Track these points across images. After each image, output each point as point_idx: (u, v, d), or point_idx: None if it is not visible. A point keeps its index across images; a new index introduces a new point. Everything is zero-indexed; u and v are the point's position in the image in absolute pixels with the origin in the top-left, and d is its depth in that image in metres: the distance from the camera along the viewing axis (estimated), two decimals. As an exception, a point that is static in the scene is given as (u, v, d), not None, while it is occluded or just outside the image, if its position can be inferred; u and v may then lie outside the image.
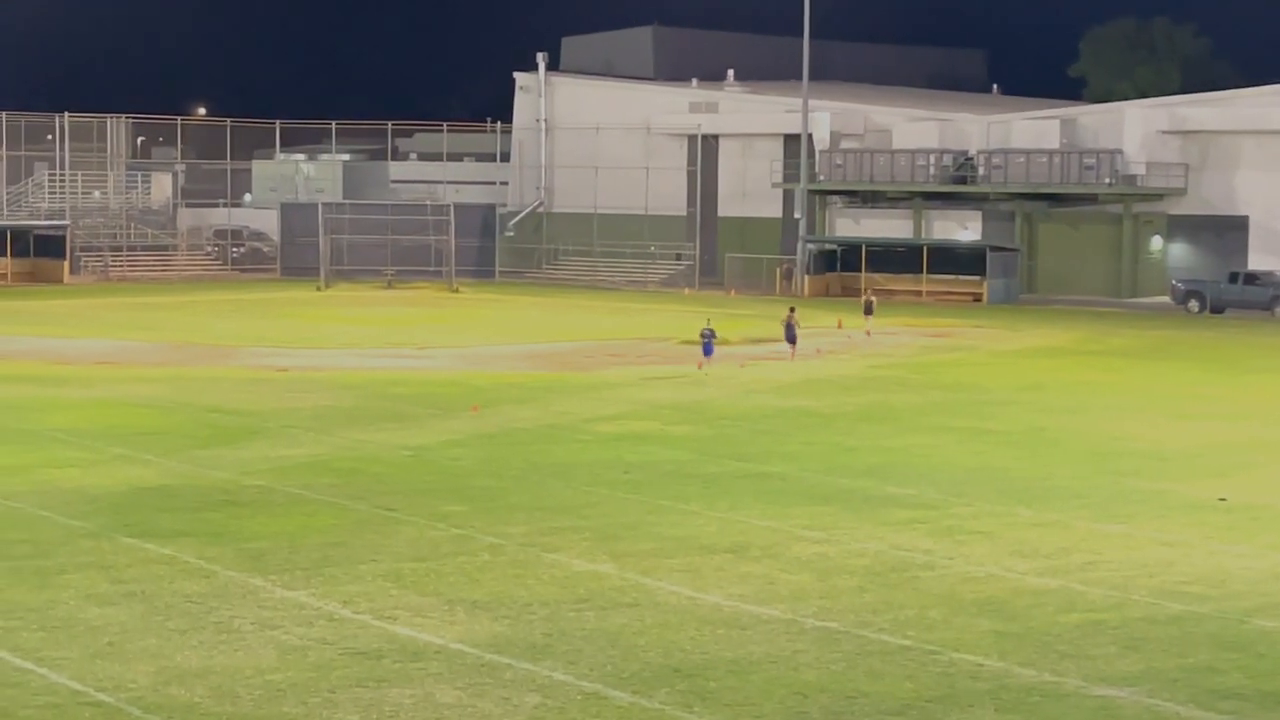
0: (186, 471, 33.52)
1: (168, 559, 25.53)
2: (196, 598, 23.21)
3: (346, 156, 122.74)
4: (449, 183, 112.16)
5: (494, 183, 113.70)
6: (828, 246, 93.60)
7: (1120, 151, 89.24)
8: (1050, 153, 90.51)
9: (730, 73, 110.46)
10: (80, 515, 28.81)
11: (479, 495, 31.38)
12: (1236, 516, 30.15)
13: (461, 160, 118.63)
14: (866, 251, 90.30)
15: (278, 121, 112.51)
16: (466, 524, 28.54)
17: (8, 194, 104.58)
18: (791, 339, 56.51)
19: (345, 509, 29.80)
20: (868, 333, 65.44)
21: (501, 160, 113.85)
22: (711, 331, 52.91)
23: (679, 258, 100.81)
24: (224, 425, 40.12)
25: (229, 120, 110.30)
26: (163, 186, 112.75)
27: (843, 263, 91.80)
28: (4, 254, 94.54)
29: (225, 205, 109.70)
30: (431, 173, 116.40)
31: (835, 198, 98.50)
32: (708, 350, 52.40)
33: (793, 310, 59.18)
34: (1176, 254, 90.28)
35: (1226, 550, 27.27)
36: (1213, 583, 24.90)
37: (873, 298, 69.39)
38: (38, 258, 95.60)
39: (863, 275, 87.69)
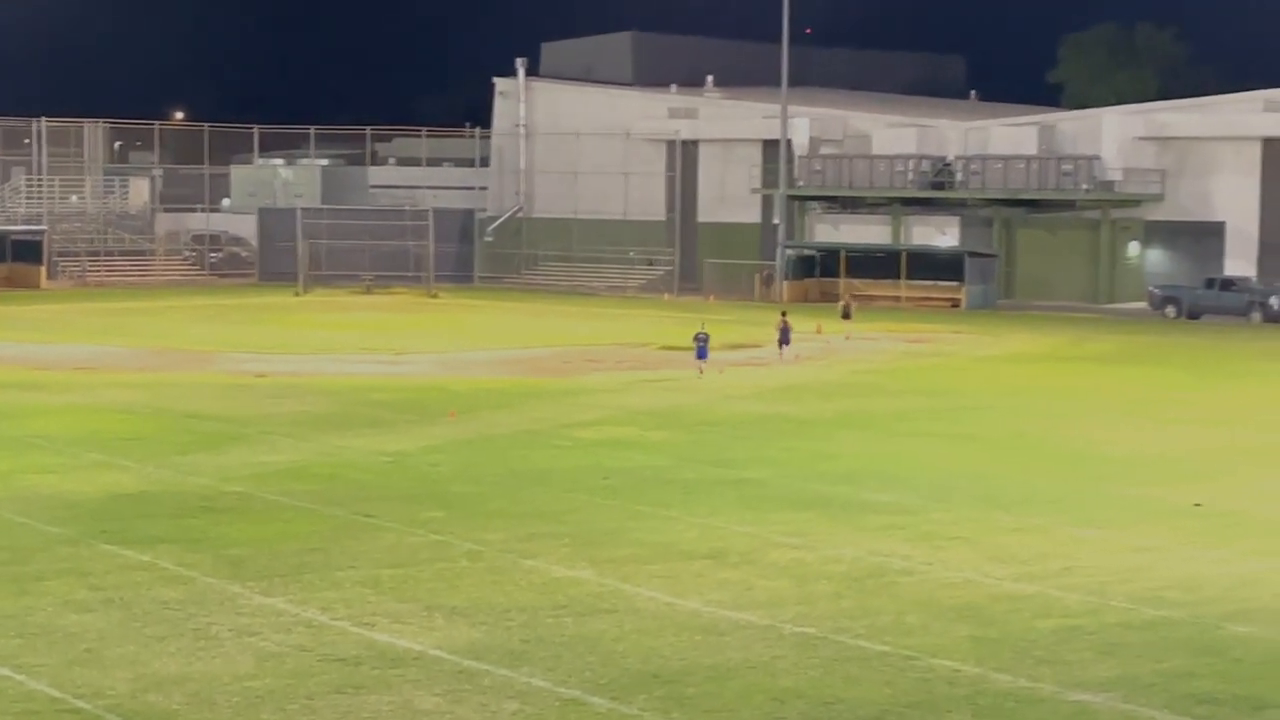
0: (165, 478, 33.49)
1: (146, 565, 25.52)
2: (175, 604, 23.21)
3: (325, 161, 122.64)
4: (428, 188, 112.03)
5: (473, 188, 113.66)
6: (806, 252, 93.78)
7: (1098, 157, 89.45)
8: (1028, 159, 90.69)
9: (709, 78, 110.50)
10: (58, 522, 28.78)
11: (457, 501, 31.39)
12: (1213, 522, 30.26)
13: (440, 165, 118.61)
14: (845, 257, 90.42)
15: (256, 126, 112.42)
16: (445, 530, 28.55)
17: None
18: (785, 341, 57.31)
19: (324, 515, 29.81)
20: (846, 336, 65.67)
21: (481, 165, 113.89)
22: (706, 335, 53.29)
23: (651, 263, 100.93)
24: (202, 431, 40.09)
25: (207, 125, 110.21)
26: (140, 191, 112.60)
27: (822, 268, 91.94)
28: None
29: (203, 210, 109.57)
30: (410, 178, 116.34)
31: (814, 203, 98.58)
32: (701, 354, 52.79)
33: (785, 314, 60.08)
34: (1153, 260, 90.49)
35: (1203, 555, 27.37)
36: (1189, 588, 25.01)
37: (850, 302, 69.56)
38: (15, 263, 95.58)
39: (842, 281, 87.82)
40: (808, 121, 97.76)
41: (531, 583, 24.77)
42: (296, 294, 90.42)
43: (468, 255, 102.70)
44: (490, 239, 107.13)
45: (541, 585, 24.62)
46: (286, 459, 36.00)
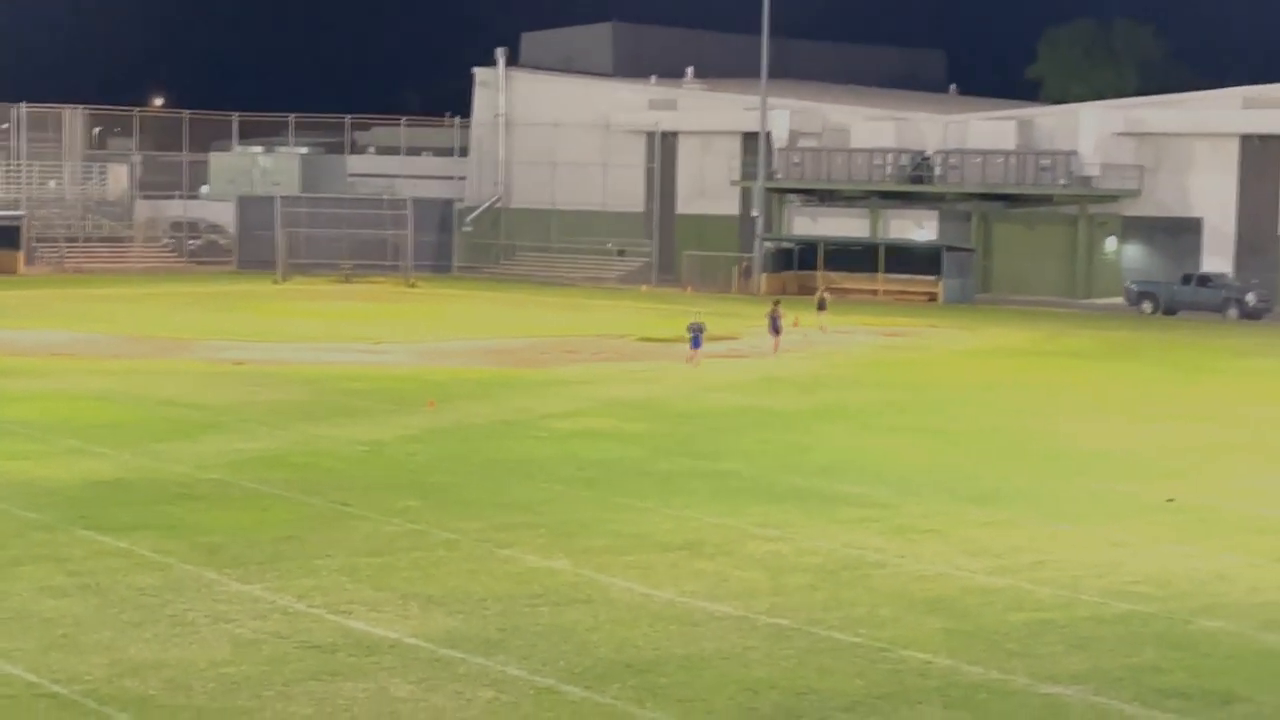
0: (142, 465, 33.51)
1: (123, 552, 25.56)
2: (151, 591, 23.26)
3: (304, 149, 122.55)
4: (407, 177, 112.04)
5: (452, 177, 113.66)
6: (785, 245, 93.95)
7: (1076, 153, 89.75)
8: (1007, 153, 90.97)
9: (689, 70, 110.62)
10: (34, 508, 28.79)
11: (434, 491, 31.47)
12: (1186, 517, 30.43)
13: (420, 155, 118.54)
14: (823, 250, 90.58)
15: (235, 114, 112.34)
16: (422, 519, 28.62)
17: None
18: (776, 330, 57.81)
19: (301, 503, 29.87)
20: (822, 329, 65.93)
21: (460, 155, 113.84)
22: (700, 325, 53.65)
23: (623, 253, 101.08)
24: (180, 419, 40.10)
25: (186, 112, 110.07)
26: (119, 178, 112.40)
27: (800, 261, 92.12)
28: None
29: (182, 197, 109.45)
30: (390, 166, 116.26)
31: (793, 196, 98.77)
32: (696, 343, 53.18)
33: (777, 303, 60.65)
34: (1130, 255, 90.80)
35: (1175, 551, 27.53)
36: (1160, 583, 25.16)
37: (826, 294, 69.85)
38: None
39: (819, 274, 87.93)
40: (787, 114, 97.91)
41: (507, 572, 24.87)
42: (275, 282, 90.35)
43: (446, 245, 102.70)
44: (469, 229, 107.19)
45: (517, 575, 24.72)
46: (264, 447, 36.04)
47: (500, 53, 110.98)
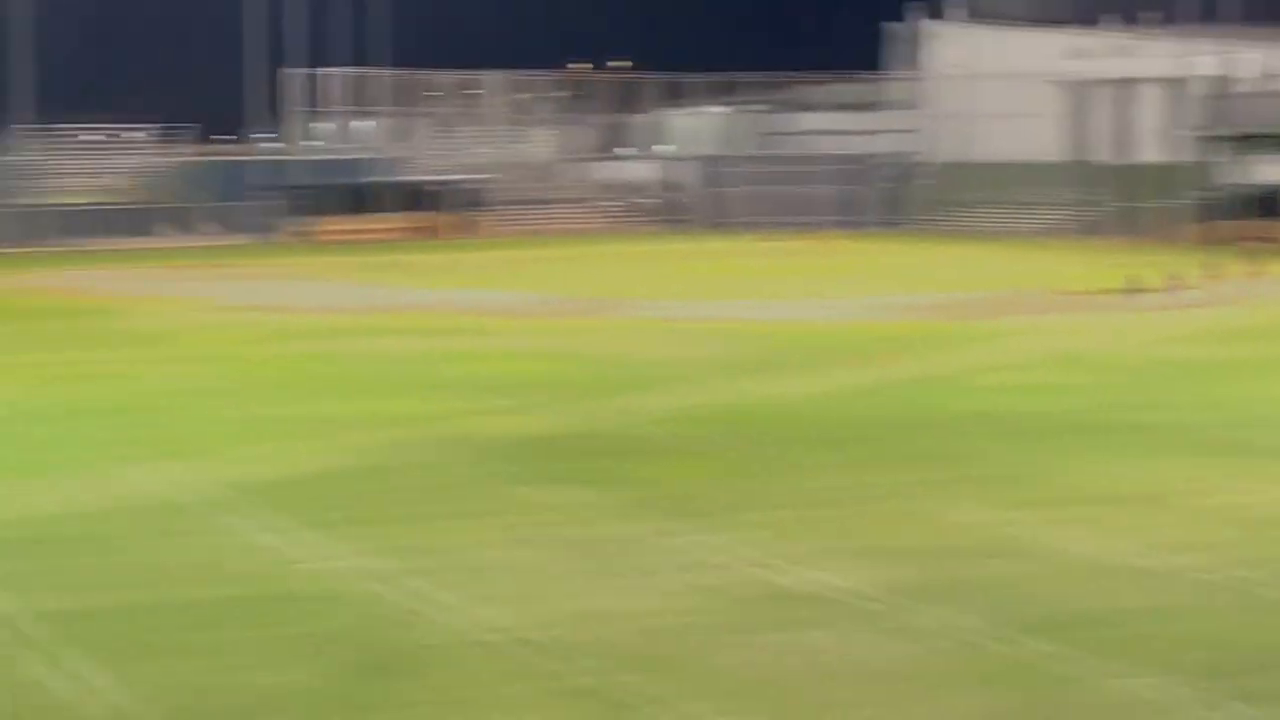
0: (572, 421, 34.37)
1: (560, 505, 26.34)
2: (590, 543, 23.84)
3: (747, 108, 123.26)
4: (850, 133, 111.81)
5: (895, 132, 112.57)
6: (1224, 193, 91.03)
7: None
8: None
9: (1121, 16, 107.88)
10: (476, 462, 29.90)
11: (862, 445, 31.61)
12: None
13: (865, 110, 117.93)
14: (1267, 198, 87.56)
15: (675, 75, 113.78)
16: (848, 473, 28.83)
17: (404, 150, 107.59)
18: (1213, 280, 57.33)
19: (727, 458, 30.35)
20: (1254, 277, 64.19)
21: (900, 110, 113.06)
22: (1144, 279, 53.54)
23: (1060, 206, 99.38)
24: (612, 376, 41.01)
25: (639, 74, 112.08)
26: (546, 141, 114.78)
27: (1238, 209, 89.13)
28: (402, 209, 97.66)
29: (621, 159, 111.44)
30: (834, 123, 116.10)
31: (1234, 143, 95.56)
32: (1147, 294, 53.25)
33: (1215, 253, 59.76)
34: None
35: None
36: None
37: (1258, 243, 68.19)
38: (435, 212, 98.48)
39: (1264, 223, 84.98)
40: (1223, 59, 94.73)
41: (931, 525, 24.90)
42: (724, 238, 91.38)
43: (889, 199, 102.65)
44: (922, 182, 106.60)
45: (942, 528, 24.73)
46: (690, 403, 36.61)
47: (939, 8, 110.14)
